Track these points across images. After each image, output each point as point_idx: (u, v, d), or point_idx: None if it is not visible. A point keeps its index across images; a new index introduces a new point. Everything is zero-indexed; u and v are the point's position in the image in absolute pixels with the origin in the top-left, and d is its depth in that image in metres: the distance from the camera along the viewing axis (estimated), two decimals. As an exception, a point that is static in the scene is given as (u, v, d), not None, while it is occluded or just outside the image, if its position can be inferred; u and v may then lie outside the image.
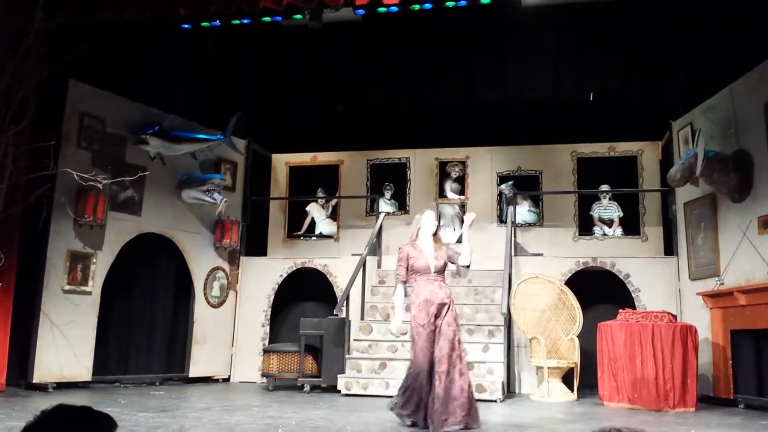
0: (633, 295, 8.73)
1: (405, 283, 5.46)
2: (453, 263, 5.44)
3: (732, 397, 7.30)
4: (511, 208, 9.74)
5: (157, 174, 8.80)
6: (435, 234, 5.46)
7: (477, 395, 7.31)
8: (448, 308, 5.25)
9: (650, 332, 7.08)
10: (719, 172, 7.35)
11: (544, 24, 8.86)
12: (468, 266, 5.41)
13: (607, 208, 9.86)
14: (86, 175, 7.50)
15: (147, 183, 8.67)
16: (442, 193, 10.60)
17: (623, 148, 10.01)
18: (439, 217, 10.31)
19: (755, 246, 7.09)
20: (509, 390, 8.33)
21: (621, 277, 8.89)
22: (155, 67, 8.89)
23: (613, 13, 8.58)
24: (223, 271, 9.70)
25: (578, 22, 8.85)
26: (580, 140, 10.10)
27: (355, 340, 8.46)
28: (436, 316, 5.21)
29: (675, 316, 7.58)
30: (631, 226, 9.76)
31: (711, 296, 7.75)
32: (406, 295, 5.56)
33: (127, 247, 8.49)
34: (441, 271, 5.37)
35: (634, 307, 8.37)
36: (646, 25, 8.66)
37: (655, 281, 8.76)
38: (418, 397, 5.18)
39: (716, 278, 7.74)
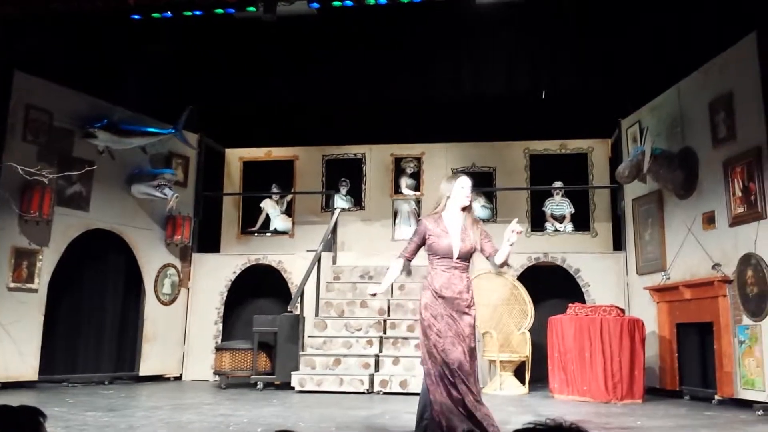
0: (583, 289, 8.91)
1: (409, 261, 4.36)
2: (484, 254, 4.28)
3: (678, 389, 7.53)
4: (465, 204, 9.80)
5: (105, 168, 8.63)
6: (467, 209, 4.30)
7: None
8: (468, 307, 4.18)
9: (599, 326, 7.24)
10: (666, 170, 7.55)
11: (497, 22, 8.93)
12: (502, 265, 4.35)
13: (559, 205, 10.03)
14: (32, 170, 7.32)
15: (95, 178, 8.50)
16: (397, 189, 10.62)
17: (574, 145, 10.21)
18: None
19: (700, 241, 7.30)
20: (463, 384, 8.38)
21: (571, 272, 9.05)
22: (106, 59, 8.69)
23: (565, 13, 8.71)
24: (175, 268, 9.54)
25: (531, 22, 8.95)
26: (533, 137, 10.26)
27: (309, 336, 8.43)
28: (456, 313, 4.15)
29: (623, 310, 7.76)
30: (581, 222, 9.95)
31: (657, 290, 7.96)
32: (403, 272, 4.45)
33: (75, 243, 8.28)
34: (466, 257, 4.23)
35: (584, 302, 8.54)
36: (597, 25, 8.82)
37: (604, 276, 8.95)
38: (448, 411, 4.01)
39: (662, 273, 7.95)
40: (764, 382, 6.24)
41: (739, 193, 6.70)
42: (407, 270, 4.64)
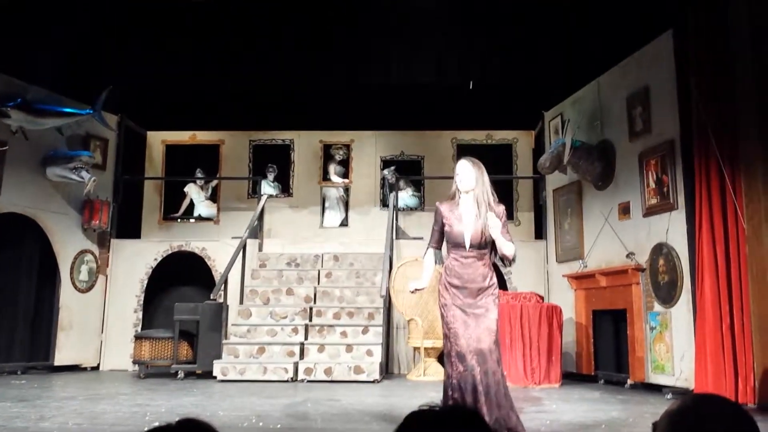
0: (505, 276, 9.09)
1: (438, 249, 4.32)
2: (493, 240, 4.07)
3: (593, 373, 7.79)
4: (393, 192, 9.88)
5: (19, 149, 8.26)
6: (472, 193, 4.15)
7: (355, 377, 7.45)
8: (486, 293, 4.09)
9: (519, 312, 7.42)
10: (585, 161, 7.77)
11: (427, 13, 8.97)
12: (503, 261, 4.27)
13: (485, 194, 10.17)
14: (-64, 149, 6.89)
15: (8, 159, 8.12)
16: (326, 176, 10.57)
17: (500, 136, 10.41)
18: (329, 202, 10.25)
19: (615, 231, 7.56)
20: (388, 371, 8.47)
21: (495, 259, 9.21)
22: (21, 36, 8.26)
23: (494, 6, 8.82)
24: (92, 254, 9.22)
25: (460, 13, 9.03)
26: (461, 127, 10.40)
27: (233, 324, 8.30)
28: (471, 303, 4.06)
29: (542, 297, 7.99)
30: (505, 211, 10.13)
31: (575, 278, 8.21)
32: (437, 262, 4.34)
33: (-16, 228, 7.90)
34: (481, 246, 4.08)
35: (506, 289, 8.73)
36: (523, 18, 8.97)
37: (526, 264, 9.16)
38: (460, 396, 3.95)
39: (580, 261, 8.21)
40: (673, 367, 6.53)
41: (652, 185, 6.97)
42: (440, 259, 4.50)
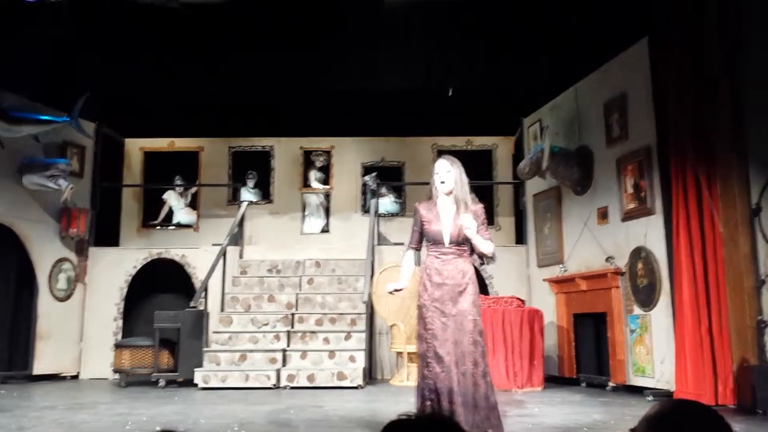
0: (486, 281, 9.16)
1: (417, 250, 4.37)
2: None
3: (575, 376, 7.85)
4: (375, 198, 9.90)
5: (-6, 157, 8.14)
6: (451, 193, 4.21)
7: (338, 383, 7.44)
8: (466, 292, 4.08)
9: (501, 316, 7.47)
10: (563, 167, 7.84)
11: (405, 20, 9.01)
12: (481, 258, 4.30)
13: (464, 199, 10.23)
14: None
15: (-17, 167, 8.01)
16: (306, 183, 10.56)
17: (480, 142, 10.49)
18: (306, 207, 10.25)
19: (594, 235, 7.65)
20: (371, 376, 8.46)
21: (476, 264, 9.25)
22: (-4, 42, 8.16)
23: (473, 13, 8.88)
24: (70, 262, 9.11)
25: (439, 20, 9.08)
26: (441, 133, 10.47)
27: (214, 332, 8.25)
28: (450, 302, 4.06)
29: (523, 301, 8.04)
30: (486, 216, 10.18)
31: (556, 282, 8.28)
32: (416, 263, 4.42)
33: (-41, 236, 7.78)
34: (460, 243, 4.13)
35: (487, 293, 8.78)
36: (503, 25, 9.04)
37: (507, 268, 9.23)
38: (436, 398, 3.96)
39: (560, 265, 8.28)
40: (654, 369, 6.60)
41: (630, 190, 7.06)
42: (418, 260, 4.49)
